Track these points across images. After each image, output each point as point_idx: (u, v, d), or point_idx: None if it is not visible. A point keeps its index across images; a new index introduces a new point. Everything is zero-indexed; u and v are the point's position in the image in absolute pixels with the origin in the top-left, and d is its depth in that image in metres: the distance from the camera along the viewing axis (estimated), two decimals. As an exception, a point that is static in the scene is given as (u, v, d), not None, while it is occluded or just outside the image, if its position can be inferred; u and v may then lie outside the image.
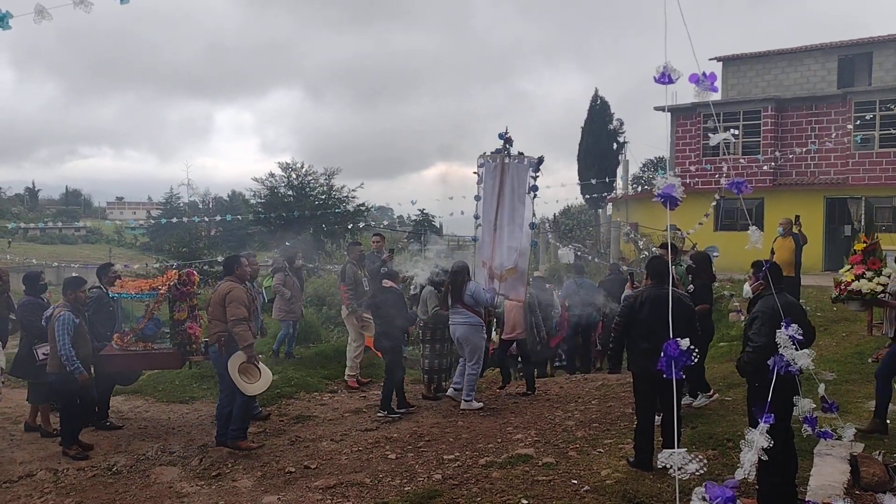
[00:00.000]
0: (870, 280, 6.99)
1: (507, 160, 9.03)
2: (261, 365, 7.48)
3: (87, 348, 7.31)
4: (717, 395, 8.01)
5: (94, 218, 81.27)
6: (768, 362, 4.50)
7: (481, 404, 8.68)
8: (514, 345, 10.01)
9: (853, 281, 6.90)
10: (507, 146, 9.11)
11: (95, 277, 8.75)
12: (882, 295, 6.88)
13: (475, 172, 9.25)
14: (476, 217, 9.26)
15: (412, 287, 9.91)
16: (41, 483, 6.63)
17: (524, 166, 8.99)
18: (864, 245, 7.07)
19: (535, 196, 9.03)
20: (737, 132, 22.75)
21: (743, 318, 12.02)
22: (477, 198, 9.26)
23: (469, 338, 8.52)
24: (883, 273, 6.94)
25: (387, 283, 8.81)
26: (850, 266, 6.83)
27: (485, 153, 9.22)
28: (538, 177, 9.05)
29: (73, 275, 8.34)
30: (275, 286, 10.94)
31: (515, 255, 8.95)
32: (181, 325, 7.74)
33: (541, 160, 9.05)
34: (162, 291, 7.72)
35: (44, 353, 7.74)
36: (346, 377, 10.29)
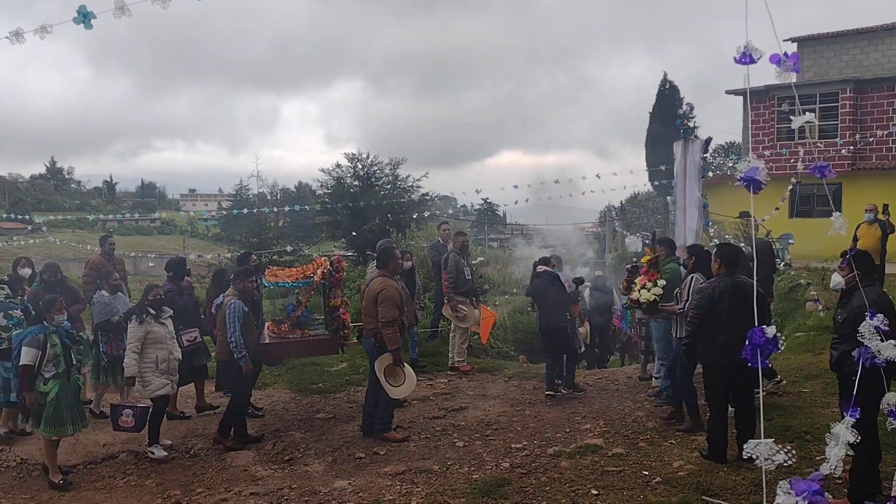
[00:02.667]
0: (648, 290, 7.65)
1: (687, 145, 9.44)
2: (406, 368, 7.46)
3: (253, 338, 7.37)
4: (784, 381, 7.83)
5: (168, 210, 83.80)
6: (853, 353, 4.34)
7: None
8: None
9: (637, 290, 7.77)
10: (684, 131, 9.65)
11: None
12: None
13: (674, 159, 9.76)
14: (674, 202, 9.72)
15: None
16: (123, 464, 6.90)
17: (696, 148, 9.33)
18: (649, 258, 7.85)
19: (703, 176, 9.44)
20: (814, 115, 21.90)
21: (821, 307, 11.63)
22: (674, 184, 9.72)
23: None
24: (657, 284, 7.62)
25: (541, 268, 8.99)
26: (641, 276, 7.82)
27: (679, 141, 9.65)
28: (706, 157, 9.56)
29: (245, 266, 8.29)
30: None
31: (693, 236, 9.24)
32: (336, 312, 7.81)
33: (708, 141, 9.57)
34: (316, 279, 7.78)
35: (188, 339, 7.96)
36: (455, 362, 10.26)
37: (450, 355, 10.40)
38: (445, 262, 10.04)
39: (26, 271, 8.82)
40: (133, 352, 6.92)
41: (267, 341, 7.90)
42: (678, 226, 9.49)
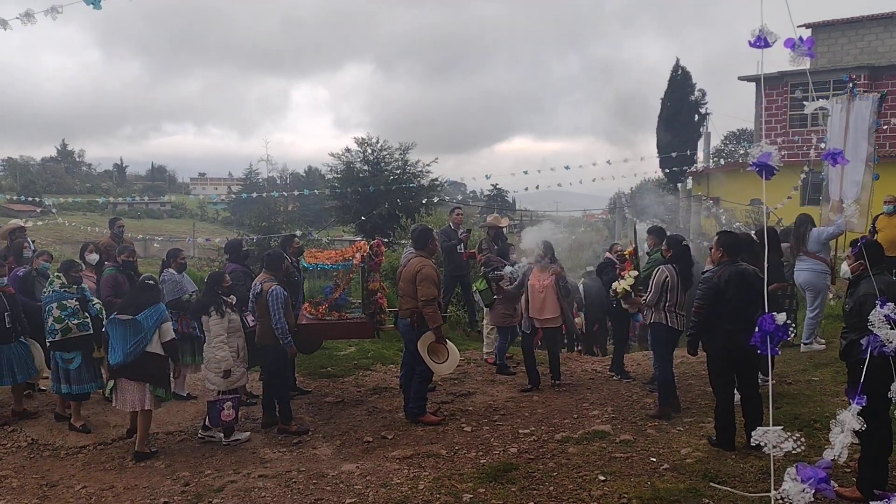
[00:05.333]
0: (624, 280, 8.00)
1: (853, 100, 9.53)
2: (449, 345, 7.48)
3: (292, 321, 7.40)
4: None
5: (178, 193, 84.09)
6: (861, 342, 4.30)
7: (823, 345, 9.17)
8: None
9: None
10: (852, 87, 9.73)
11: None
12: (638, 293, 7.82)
13: (823, 109, 9.94)
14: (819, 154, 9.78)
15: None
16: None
17: (867, 103, 9.41)
18: (629, 251, 8.27)
19: (875, 130, 9.58)
20: (827, 102, 21.71)
21: (832, 296, 11.56)
22: (826, 140, 9.82)
23: (812, 282, 9.08)
24: (630, 275, 7.90)
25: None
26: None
27: (841, 95, 9.77)
28: (881, 112, 9.64)
29: (277, 249, 8.34)
30: (510, 287, 8.82)
31: (857, 188, 9.31)
32: (374, 296, 7.83)
33: (882, 97, 9.64)
34: (356, 262, 7.78)
35: (253, 320, 7.83)
36: (485, 355, 10.11)
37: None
38: (479, 248, 9.94)
39: (94, 257, 8.62)
40: (224, 343, 6.99)
41: (303, 322, 7.93)
42: (833, 181, 9.53)
